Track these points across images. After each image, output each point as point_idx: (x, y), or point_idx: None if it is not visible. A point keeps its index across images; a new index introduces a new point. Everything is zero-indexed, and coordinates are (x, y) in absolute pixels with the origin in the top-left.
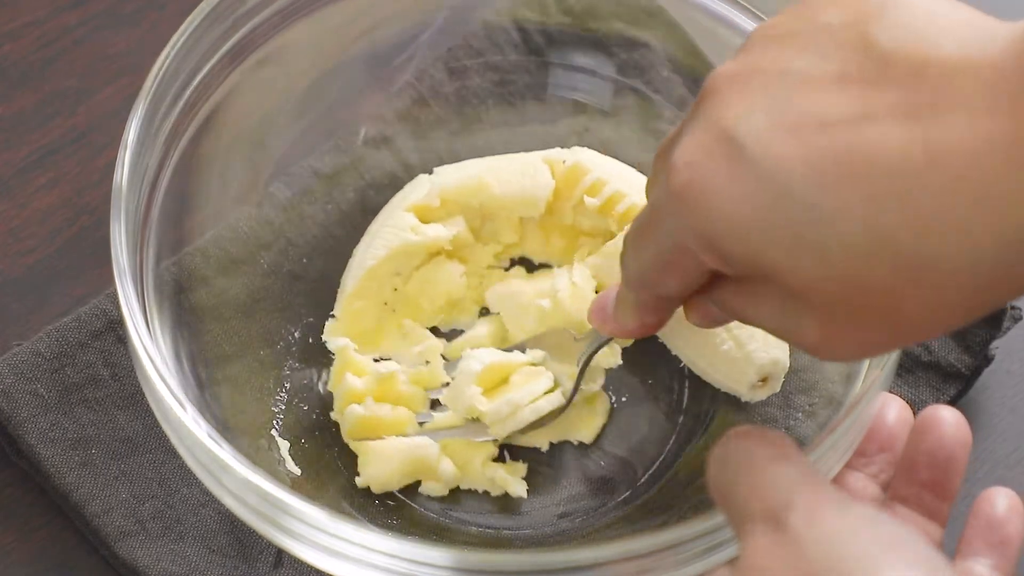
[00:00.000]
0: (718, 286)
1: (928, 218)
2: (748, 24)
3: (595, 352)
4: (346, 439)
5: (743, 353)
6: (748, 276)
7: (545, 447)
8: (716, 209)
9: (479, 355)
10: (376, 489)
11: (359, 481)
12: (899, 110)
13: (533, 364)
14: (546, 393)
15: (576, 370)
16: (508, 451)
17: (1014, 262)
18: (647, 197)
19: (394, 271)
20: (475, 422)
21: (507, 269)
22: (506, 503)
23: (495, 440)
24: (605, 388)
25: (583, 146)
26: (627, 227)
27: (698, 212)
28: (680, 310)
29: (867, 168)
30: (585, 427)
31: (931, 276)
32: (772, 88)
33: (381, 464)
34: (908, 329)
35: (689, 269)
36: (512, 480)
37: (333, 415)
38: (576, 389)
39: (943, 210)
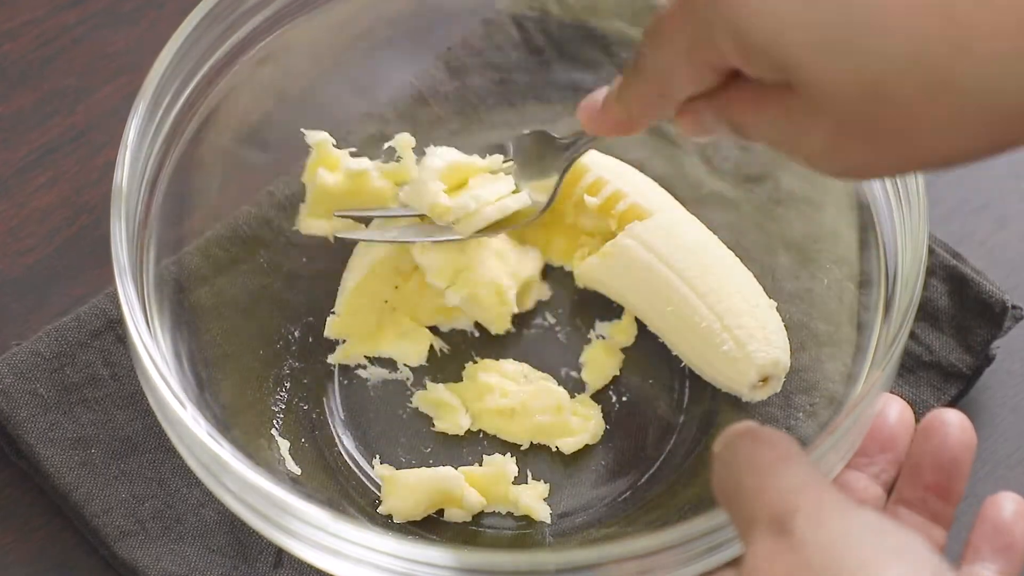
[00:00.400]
0: (724, 90)
1: (968, 32)
2: None
3: (578, 155)
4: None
5: (743, 353)
6: (765, 79)
7: (525, 445)
8: (751, 3)
9: (442, 152)
10: (399, 519)
11: (381, 509)
12: None
13: (494, 171)
14: (512, 193)
15: (555, 177)
16: (491, 446)
17: None
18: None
19: (395, 269)
20: (439, 224)
21: None
22: None
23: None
24: (606, 389)
25: None
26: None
27: (732, 5)
28: None
29: None
30: (568, 435)
31: (956, 95)
32: None
33: (405, 494)
34: (914, 151)
35: (710, 65)
36: (536, 505)
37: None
38: (555, 193)
39: (982, 25)
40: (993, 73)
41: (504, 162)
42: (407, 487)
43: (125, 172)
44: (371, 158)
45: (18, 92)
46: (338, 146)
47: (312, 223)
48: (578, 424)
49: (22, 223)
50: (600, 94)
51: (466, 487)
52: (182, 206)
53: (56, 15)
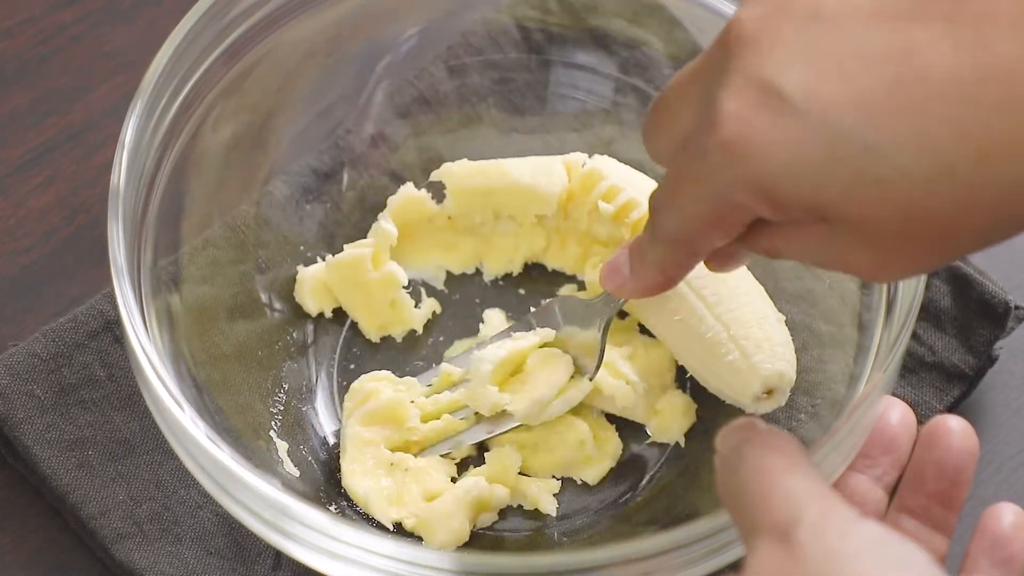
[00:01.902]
0: (755, 232)
1: (984, 139)
2: None
3: (612, 316)
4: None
5: (748, 364)
6: (796, 219)
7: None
8: (770, 159)
9: (486, 355)
10: (452, 547)
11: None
12: (942, 39)
13: (545, 345)
14: (571, 378)
15: (598, 336)
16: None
17: None
18: (652, 153)
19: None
20: (501, 416)
21: (520, 273)
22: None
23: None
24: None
25: (583, 145)
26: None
27: (750, 164)
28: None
29: (918, 97)
30: (591, 467)
31: (989, 198)
32: (806, 32)
33: (445, 524)
34: (961, 249)
35: (737, 221)
36: (545, 497)
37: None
38: (599, 363)
39: (1001, 131)
40: (1016, 172)
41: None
42: (443, 518)
43: (122, 172)
44: (370, 157)
45: (15, 91)
46: (338, 144)
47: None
48: (599, 452)
49: (19, 223)
50: (621, 259)
51: (490, 486)
52: (180, 206)
53: (53, 13)
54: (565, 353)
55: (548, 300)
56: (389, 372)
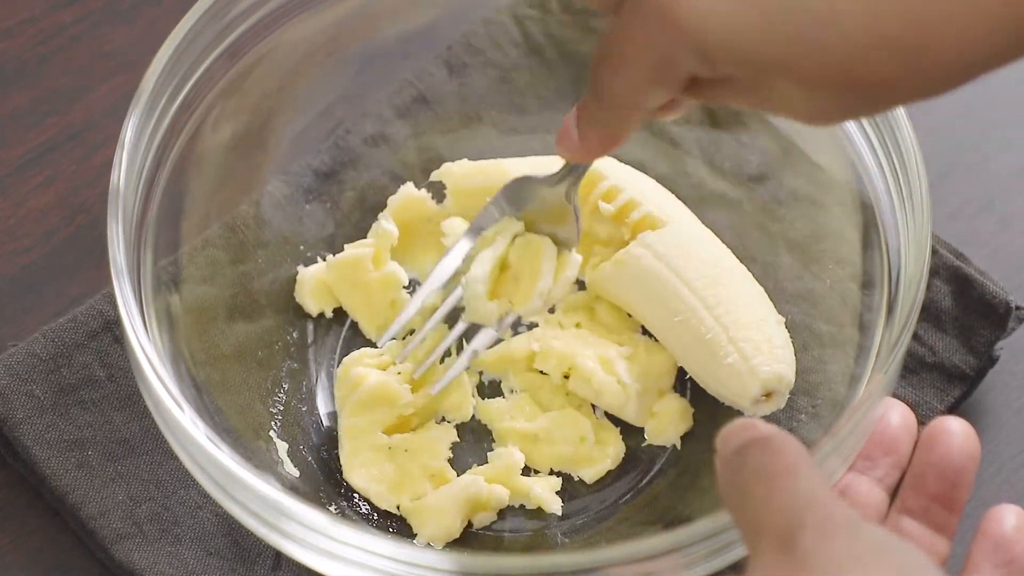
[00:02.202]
0: (695, 86)
1: (924, 11)
2: None
3: (578, 181)
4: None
5: (747, 366)
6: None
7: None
8: (708, 18)
9: (475, 275)
10: (440, 543)
11: (419, 540)
12: None
13: (518, 234)
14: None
15: (568, 207)
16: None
17: (1003, 44)
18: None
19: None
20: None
21: None
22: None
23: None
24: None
25: None
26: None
27: (689, 22)
28: None
29: None
30: (591, 465)
31: (924, 64)
32: None
33: (437, 519)
34: (896, 101)
35: (676, 78)
36: (548, 497)
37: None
38: (579, 228)
39: (939, 4)
40: (953, 41)
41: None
42: (435, 511)
43: (122, 172)
44: (370, 157)
45: (15, 91)
46: (338, 144)
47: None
48: (599, 452)
49: (19, 223)
50: (570, 123)
51: (489, 486)
52: (179, 206)
53: (53, 13)
54: (542, 235)
55: (511, 181)
56: (367, 348)
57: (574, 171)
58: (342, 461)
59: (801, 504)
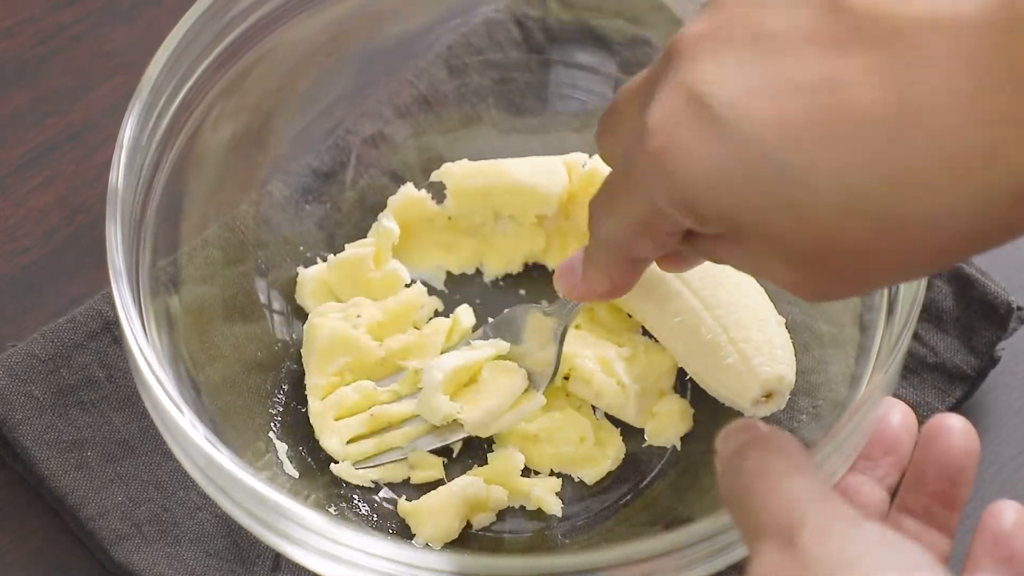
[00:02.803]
0: (692, 239)
1: (901, 176)
2: None
3: (569, 323)
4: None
5: (747, 367)
6: (723, 233)
7: (556, 469)
8: (691, 172)
9: (440, 363)
10: (439, 543)
11: (417, 541)
12: (873, 70)
13: (500, 357)
14: (525, 392)
15: (554, 349)
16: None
17: (987, 219)
18: (602, 156)
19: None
20: (452, 425)
21: (520, 273)
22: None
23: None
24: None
25: (584, 145)
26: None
27: (674, 176)
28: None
29: (841, 126)
30: (591, 466)
31: (902, 233)
32: (742, 50)
33: (436, 519)
34: (877, 279)
35: (664, 230)
36: (549, 498)
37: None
38: (556, 370)
39: (917, 169)
40: (931, 205)
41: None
42: (433, 511)
43: (121, 172)
44: (370, 157)
45: (14, 91)
46: (338, 144)
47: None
48: (600, 453)
49: (18, 223)
50: (576, 260)
51: (488, 487)
52: (179, 206)
53: (53, 13)
54: (520, 367)
55: (508, 309)
56: (333, 303)
57: (566, 307)
58: (312, 422)
59: (801, 503)
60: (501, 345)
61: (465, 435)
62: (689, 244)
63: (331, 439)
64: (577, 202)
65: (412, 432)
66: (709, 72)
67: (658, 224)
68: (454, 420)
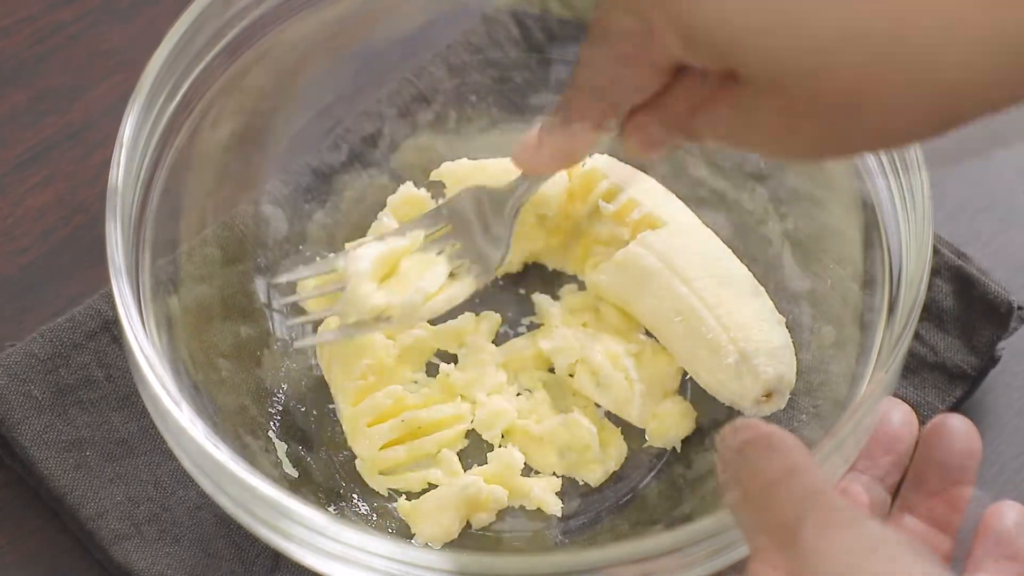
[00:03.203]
0: (665, 99)
1: (905, 15)
2: None
3: (522, 204)
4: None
5: (748, 367)
6: (710, 69)
7: (559, 472)
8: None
9: (363, 252)
10: (438, 543)
11: (416, 540)
12: None
13: (440, 234)
14: (451, 277)
15: (505, 229)
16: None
17: (1006, 65)
18: None
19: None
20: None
21: (520, 273)
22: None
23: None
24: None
25: None
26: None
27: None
28: None
29: None
30: (594, 469)
31: (901, 71)
32: None
33: (435, 519)
34: (862, 129)
35: (651, 64)
36: (548, 497)
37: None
38: (507, 251)
39: (921, 10)
40: (932, 45)
41: (437, 230)
42: (433, 511)
43: (121, 170)
44: (369, 156)
45: (12, 90)
46: (337, 143)
47: None
48: (602, 454)
49: (17, 222)
50: (537, 133)
51: (488, 487)
52: (178, 205)
53: (51, 12)
54: (458, 255)
55: (460, 191)
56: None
57: (522, 186)
58: (344, 427)
59: (803, 500)
60: (415, 235)
61: (391, 326)
62: (661, 109)
63: (364, 445)
64: (576, 202)
65: (443, 440)
66: None
67: (643, 52)
68: (380, 313)
